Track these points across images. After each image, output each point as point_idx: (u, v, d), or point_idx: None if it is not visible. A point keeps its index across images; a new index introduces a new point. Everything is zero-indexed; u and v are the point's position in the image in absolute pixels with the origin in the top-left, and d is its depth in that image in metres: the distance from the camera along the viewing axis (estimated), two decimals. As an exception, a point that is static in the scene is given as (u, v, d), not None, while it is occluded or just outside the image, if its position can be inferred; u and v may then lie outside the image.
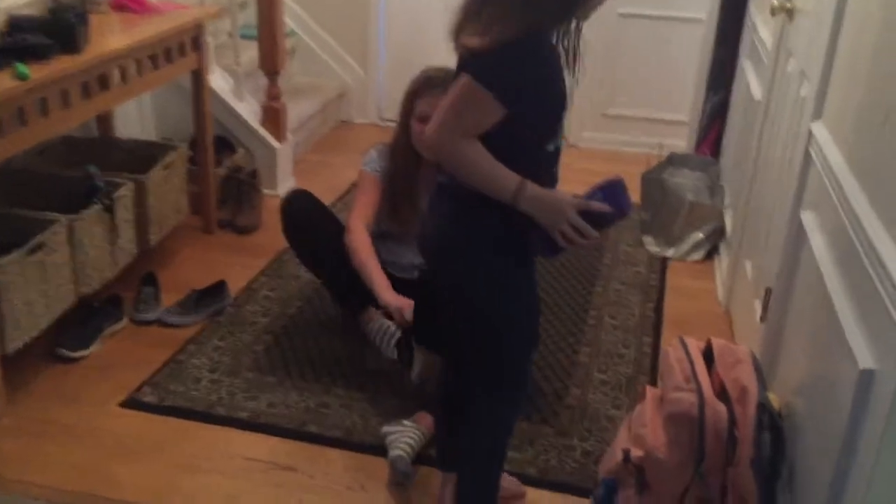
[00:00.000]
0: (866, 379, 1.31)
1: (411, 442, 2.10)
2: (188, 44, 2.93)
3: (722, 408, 1.72)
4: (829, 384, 1.51)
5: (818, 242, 1.75)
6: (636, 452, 1.82)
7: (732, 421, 1.71)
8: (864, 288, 1.38)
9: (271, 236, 3.26)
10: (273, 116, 3.66)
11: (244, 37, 3.67)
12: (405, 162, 2.49)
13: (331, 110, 4.61)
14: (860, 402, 1.32)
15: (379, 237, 2.54)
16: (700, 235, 3.28)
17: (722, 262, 3.14)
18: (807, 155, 1.93)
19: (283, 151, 3.72)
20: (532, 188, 1.55)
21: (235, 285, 2.88)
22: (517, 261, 1.68)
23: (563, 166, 1.70)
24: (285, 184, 3.72)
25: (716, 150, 3.72)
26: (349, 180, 3.87)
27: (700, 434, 1.71)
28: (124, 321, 2.65)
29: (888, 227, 1.33)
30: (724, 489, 1.73)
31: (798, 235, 1.90)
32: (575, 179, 2.08)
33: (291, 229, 2.63)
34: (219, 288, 2.79)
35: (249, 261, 3.13)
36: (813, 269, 1.73)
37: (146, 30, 2.70)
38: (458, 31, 1.56)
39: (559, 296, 2.95)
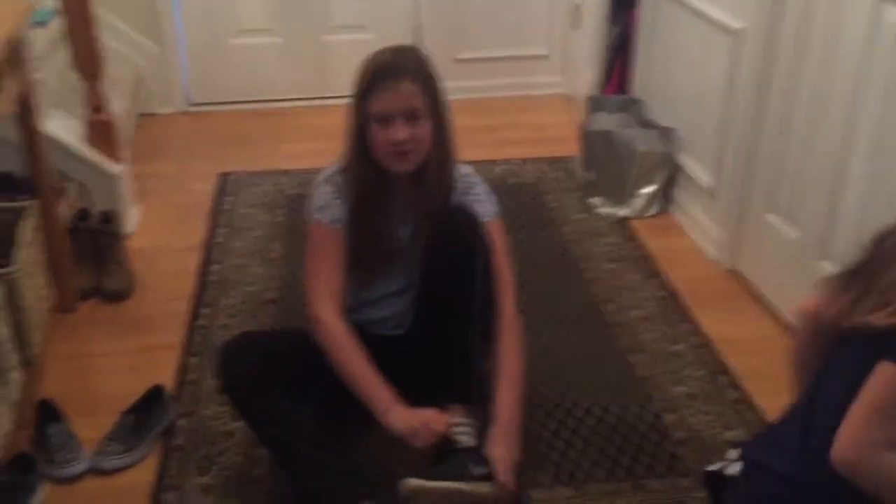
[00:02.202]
0: None
1: None
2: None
3: None
4: None
5: None
6: None
7: None
8: None
9: (158, 296, 2.47)
10: (103, 132, 2.72)
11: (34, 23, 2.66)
12: (370, 183, 1.80)
13: (129, 104, 3.63)
14: None
15: (353, 307, 1.86)
16: (654, 187, 2.95)
17: (694, 215, 2.83)
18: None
19: (124, 175, 2.80)
20: None
21: (154, 381, 2.04)
22: None
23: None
24: (131, 219, 2.83)
25: (622, 87, 3.38)
26: (201, 193, 3.07)
27: None
28: (44, 487, 1.77)
29: None
30: None
31: None
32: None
33: (241, 402, 1.77)
34: (154, 397, 1.97)
35: (151, 340, 2.31)
36: None
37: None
38: (845, 311, 1.31)
39: (560, 296, 2.48)
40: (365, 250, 1.83)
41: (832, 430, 1.27)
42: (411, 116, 1.72)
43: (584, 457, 1.89)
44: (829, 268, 2.14)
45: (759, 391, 2.10)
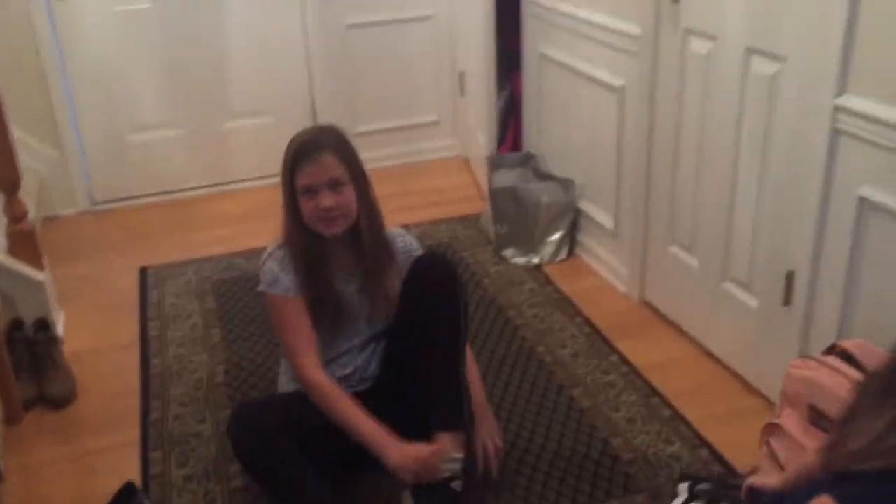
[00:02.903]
0: None
1: None
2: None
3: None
4: None
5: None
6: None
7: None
8: None
9: (102, 396, 2.50)
10: (24, 241, 2.72)
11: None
12: (312, 251, 1.98)
13: (34, 210, 3.60)
14: None
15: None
16: (560, 234, 3.18)
17: (601, 255, 3.08)
18: (834, 131, 1.90)
19: (48, 282, 2.80)
20: None
21: (116, 481, 2.00)
22: None
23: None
24: (58, 325, 2.81)
25: (516, 145, 3.63)
26: (124, 289, 3.09)
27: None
28: None
29: None
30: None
31: (859, 213, 1.87)
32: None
33: (252, 464, 1.93)
34: (126, 494, 1.99)
35: (104, 440, 2.31)
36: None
37: None
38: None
39: (495, 344, 2.64)
40: (321, 312, 1.98)
41: None
42: (334, 185, 1.92)
43: (547, 488, 2.04)
44: (731, 289, 2.41)
45: (688, 407, 2.32)
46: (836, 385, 1.67)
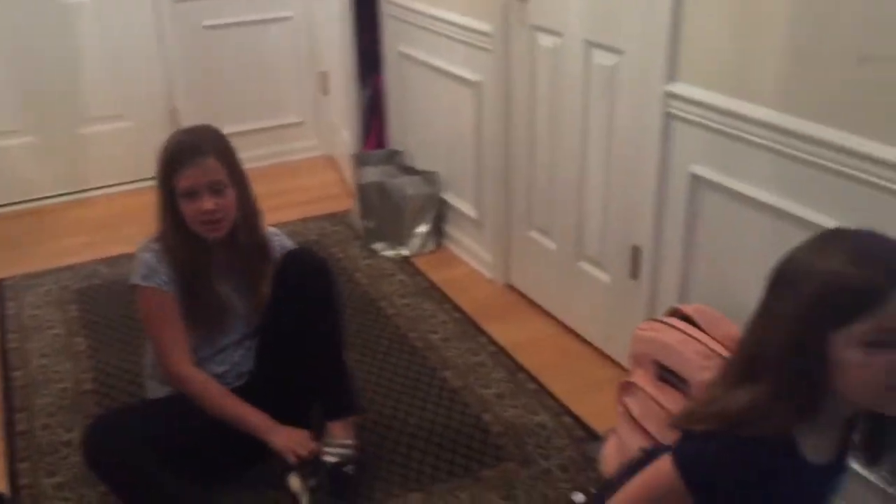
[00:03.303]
0: None
1: None
2: None
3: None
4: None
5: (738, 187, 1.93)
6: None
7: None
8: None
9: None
10: None
11: None
12: (191, 252, 1.98)
13: None
14: None
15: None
16: (427, 226, 3.29)
17: (466, 244, 3.20)
18: (667, 115, 2.08)
19: None
20: None
21: None
22: None
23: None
24: None
25: (380, 143, 3.71)
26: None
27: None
28: None
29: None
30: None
31: (692, 189, 2.06)
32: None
33: (114, 482, 1.89)
34: (-4, 506, 1.95)
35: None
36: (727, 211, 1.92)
37: None
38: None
39: (369, 333, 2.71)
40: (197, 310, 1.99)
41: None
42: (216, 188, 1.92)
43: (423, 464, 2.13)
44: (585, 267, 2.58)
45: (552, 380, 2.46)
46: (678, 342, 1.84)
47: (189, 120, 3.92)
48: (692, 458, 1.22)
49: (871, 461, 1.28)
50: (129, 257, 3.20)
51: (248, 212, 2.02)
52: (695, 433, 1.23)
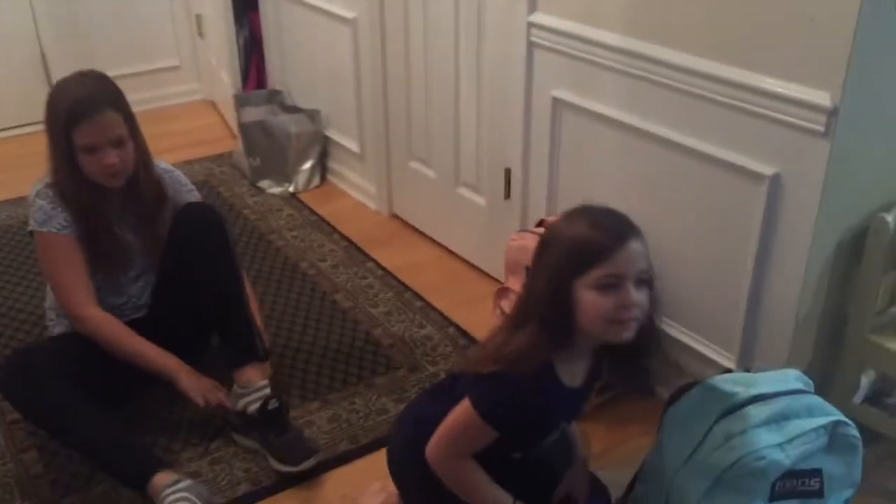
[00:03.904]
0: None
1: None
2: None
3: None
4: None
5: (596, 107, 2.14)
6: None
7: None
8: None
9: None
10: None
11: None
12: (89, 198, 2.00)
13: None
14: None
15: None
16: (311, 162, 3.40)
17: (350, 178, 3.33)
18: (530, 44, 2.27)
19: None
20: None
21: None
22: None
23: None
24: None
25: (260, 83, 3.77)
26: None
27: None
28: None
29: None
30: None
31: (554, 112, 2.26)
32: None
33: (30, 411, 1.97)
34: None
35: None
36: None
37: None
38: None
39: (261, 264, 2.83)
40: (97, 253, 2.03)
41: None
42: (118, 143, 1.94)
43: (320, 376, 2.30)
44: (463, 192, 2.77)
45: (436, 298, 2.66)
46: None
47: (60, 64, 3.86)
48: (486, 399, 1.49)
49: (623, 382, 1.68)
50: (12, 203, 3.23)
51: (145, 159, 2.05)
52: (483, 376, 1.49)
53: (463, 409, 1.51)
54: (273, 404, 2.00)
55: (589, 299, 1.41)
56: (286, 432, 2.00)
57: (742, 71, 1.78)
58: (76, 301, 2.01)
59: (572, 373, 1.53)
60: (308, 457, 1.96)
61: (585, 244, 1.42)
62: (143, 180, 2.05)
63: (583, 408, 1.72)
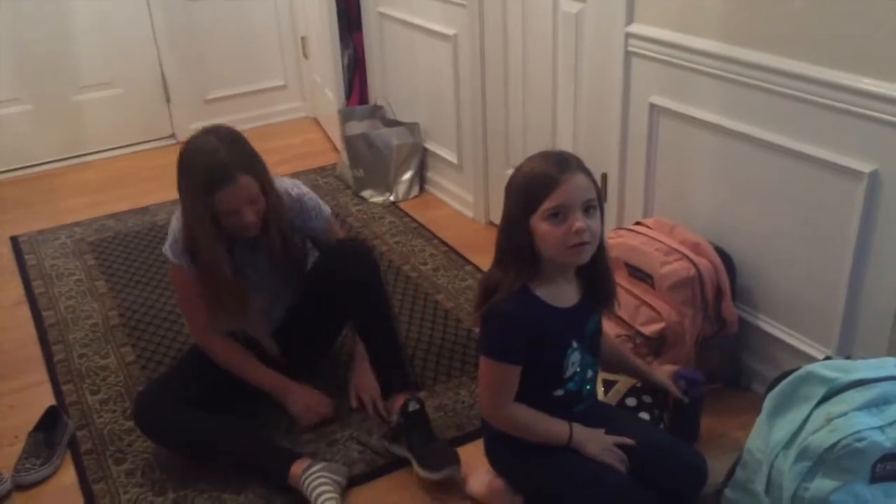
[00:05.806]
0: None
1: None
2: None
3: (704, 261, 2.13)
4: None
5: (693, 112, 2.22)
6: (649, 329, 2.13)
7: (714, 267, 2.15)
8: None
9: (5, 347, 2.63)
10: None
11: None
12: (215, 260, 2.07)
13: None
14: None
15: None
16: (411, 173, 3.56)
17: (448, 188, 3.48)
18: (628, 54, 2.37)
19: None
20: (577, 430, 1.75)
21: (38, 412, 2.22)
22: None
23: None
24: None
25: (362, 99, 3.96)
26: None
27: (701, 287, 2.11)
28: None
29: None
30: (719, 319, 2.17)
31: (651, 118, 2.35)
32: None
33: (167, 441, 2.12)
34: (51, 416, 2.20)
35: (17, 382, 2.48)
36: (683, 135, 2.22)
37: None
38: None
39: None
40: (220, 304, 2.13)
41: None
42: (253, 202, 2.03)
43: (426, 369, 2.43)
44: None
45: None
46: (641, 243, 2.16)
47: (178, 86, 4.17)
48: (485, 342, 1.71)
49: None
50: (133, 213, 3.49)
51: (276, 205, 2.09)
52: (480, 326, 1.72)
53: (482, 363, 1.72)
54: (413, 406, 2.09)
55: (543, 230, 1.60)
56: (431, 441, 2.06)
57: (838, 72, 1.84)
58: (197, 326, 2.20)
59: (558, 294, 1.70)
60: (448, 464, 1.99)
61: (533, 183, 1.61)
62: (273, 226, 2.10)
63: (591, 326, 1.78)
